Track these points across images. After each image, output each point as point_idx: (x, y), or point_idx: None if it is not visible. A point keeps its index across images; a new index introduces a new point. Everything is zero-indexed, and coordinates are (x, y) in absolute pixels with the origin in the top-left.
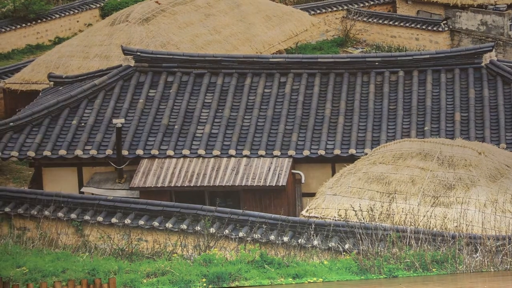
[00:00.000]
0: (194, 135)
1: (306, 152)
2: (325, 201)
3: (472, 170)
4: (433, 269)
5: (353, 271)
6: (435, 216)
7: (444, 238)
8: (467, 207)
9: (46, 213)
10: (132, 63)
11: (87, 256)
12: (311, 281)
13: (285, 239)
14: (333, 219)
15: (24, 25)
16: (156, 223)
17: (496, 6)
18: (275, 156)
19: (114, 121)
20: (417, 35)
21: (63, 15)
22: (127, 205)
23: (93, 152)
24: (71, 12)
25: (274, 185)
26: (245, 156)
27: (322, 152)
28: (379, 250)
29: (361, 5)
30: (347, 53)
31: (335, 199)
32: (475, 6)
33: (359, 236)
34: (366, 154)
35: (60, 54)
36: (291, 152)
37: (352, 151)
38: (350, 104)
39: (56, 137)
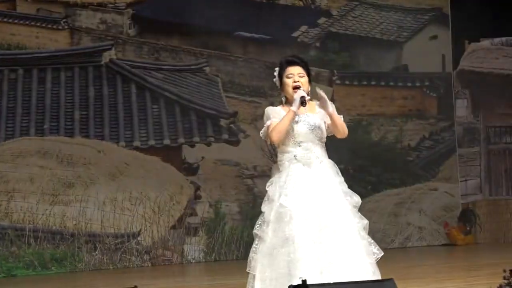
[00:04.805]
0: None
1: None
2: None
3: (91, 168)
4: (53, 267)
5: None
6: (54, 215)
7: (64, 236)
8: (86, 205)
9: None
10: None
11: None
12: None
13: None
14: None
15: None
16: None
17: (116, 4)
18: None
19: None
20: (37, 33)
21: None
22: None
23: None
24: None
25: None
26: None
27: None
28: None
29: None
30: None
31: None
32: (95, 4)
33: None
34: None
35: None
36: None
37: None
38: None
39: None
